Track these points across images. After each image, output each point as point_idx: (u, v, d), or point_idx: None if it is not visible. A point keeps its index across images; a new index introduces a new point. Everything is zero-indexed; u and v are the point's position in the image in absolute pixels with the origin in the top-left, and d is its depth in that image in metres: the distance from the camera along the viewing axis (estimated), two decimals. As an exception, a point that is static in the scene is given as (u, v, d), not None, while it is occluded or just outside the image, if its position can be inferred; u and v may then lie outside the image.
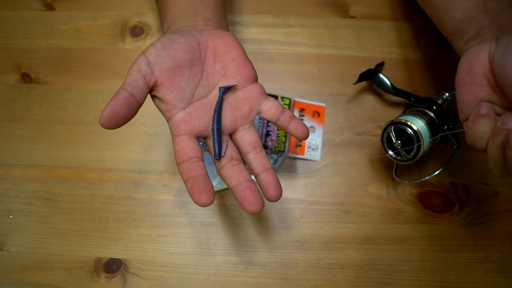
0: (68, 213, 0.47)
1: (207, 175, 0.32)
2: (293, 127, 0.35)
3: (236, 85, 0.35)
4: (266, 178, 0.33)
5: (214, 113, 0.33)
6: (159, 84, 0.32)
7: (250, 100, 0.35)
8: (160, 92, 0.32)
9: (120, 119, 0.29)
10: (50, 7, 0.56)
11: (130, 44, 0.54)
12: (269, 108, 0.35)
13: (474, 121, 0.33)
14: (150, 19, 0.55)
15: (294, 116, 0.35)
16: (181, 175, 0.32)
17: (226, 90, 0.34)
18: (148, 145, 0.49)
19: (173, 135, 0.33)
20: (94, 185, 0.48)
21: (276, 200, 0.32)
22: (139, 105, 0.31)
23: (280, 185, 0.33)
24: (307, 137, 0.35)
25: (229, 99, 0.35)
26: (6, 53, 0.54)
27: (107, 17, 0.55)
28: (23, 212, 0.47)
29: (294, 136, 0.35)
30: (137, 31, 0.55)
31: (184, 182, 0.31)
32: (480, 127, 0.32)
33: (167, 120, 0.33)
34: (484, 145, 0.33)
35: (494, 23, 0.34)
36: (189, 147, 0.32)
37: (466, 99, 0.35)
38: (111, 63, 0.53)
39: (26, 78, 0.52)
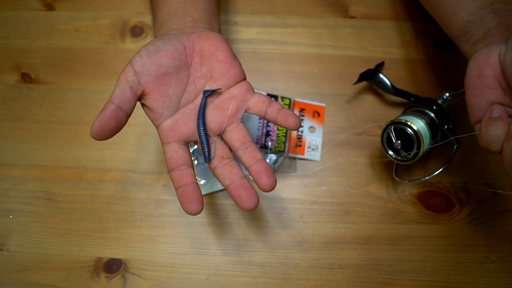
0: (68, 213, 0.47)
1: (196, 183, 0.33)
2: (282, 118, 0.34)
3: (220, 89, 0.35)
4: (257, 168, 0.33)
5: (198, 118, 0.34)
6: (146, 93, 0.33)
7: (237, 98, 0.35)
8: (147, 101, 0.33)
9: (110, 131, 0.31)
10: (50, 7, 0.56)
11: (130, 44, 0.54)
12: (256, 103, 0.35)
13: (488, 124, 0.33)
14: (150, 19, 0.55)
15: (283, 107, 0.35)
16: (172, 182, 0.33)
17: (209, 94, 0.34)
18: (148, 145, 0.49)
19: (162, 143, 0.34)
20: (94, 185, 0.48)
21: (270, 190, 0.32)
22: (127, 116, 0.32)
23: (274, 174, 0.33)
24: (298, 126, 0.34)
25: (215, 101, 0.35)
26: (6, 53, 0.54)
27: (107, 17, 0.55)
28: (23, 212, 0.47)
29: (285, 127, 0.35)
30: (137, 31, 0.55)
31: (175, 190, 0.33)
32: (494, 130, 0.32)
33: (156, 128, 0.34)
34: (499, 148, 0.32)
35: (502, 24, 0.34)
36: (178, 155, 0.33)
37: (477, 102, 0.34)
38: (111, 63, 0.53)
39: (26, 78, 0.52)
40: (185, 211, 0.32)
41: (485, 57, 0.33)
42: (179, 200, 0.32)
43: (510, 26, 0.34)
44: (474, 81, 0.34)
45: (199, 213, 0.32)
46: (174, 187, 0.33)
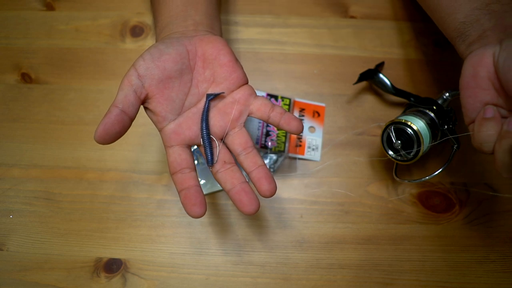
0: (68, 213, 0.47)
1: (199, 186, 0.33)
2: (285, 122, 0.34)
3: (224, 92, 0.35)
4: (258, 174, 0.33)
5: (201, 121, 0.34)
6: (150, 97, 0.33)
7: (240, 103, 0.35)
8: (151, 104, 0.33)
9: (114, 135, 0.31)
10: (50, 7, 0.56)
11: (130, 44, 0.54)
12: (259, 107, 0.35)
13: (481, 124, 0.33)
14: (150, 19, 0.55)
15: (285, 111, 0.35)
16: (175, 185, 0.33)
17: (212, 97, 0.34)
18: (148, 145, 0.49)
19: (165, 146, 0.34)
20: (94, 185, 0.48)
21: (270, 195, 0.33)
22: (131, 120, 0.32)
23: (274, 180, 0.33)
24: (300, 131, 0.34)
25: (218, 105, 0.35)
26: (6, 53, 0.54)
27: (107, 17, 0.55)
28: (23, 212, 0.47)
29: (288, 131, 0.35)
30: (137, 31, 0.55)
31: (178, 193, 0.33)
32: (487, 131, 0.32)
33: (159, 131, 0.34)
34: (491, 148, 0.32)
35: (497, 25, 0.34)
36: (181, 158, 0.33)
37: (471, 102, 0.34)
38: (111, 63, 0.53)
39: (26, 78, 0.52)
40: (188, 214, 0.32)
41: (479, 58, 0.33)
42: (182, 203, 0.32)
43: (505, 27, 0.34)
44: (468, 82, 0.34)
45: (202, 216, 0.32)
46: (177, 190, 0.33)
